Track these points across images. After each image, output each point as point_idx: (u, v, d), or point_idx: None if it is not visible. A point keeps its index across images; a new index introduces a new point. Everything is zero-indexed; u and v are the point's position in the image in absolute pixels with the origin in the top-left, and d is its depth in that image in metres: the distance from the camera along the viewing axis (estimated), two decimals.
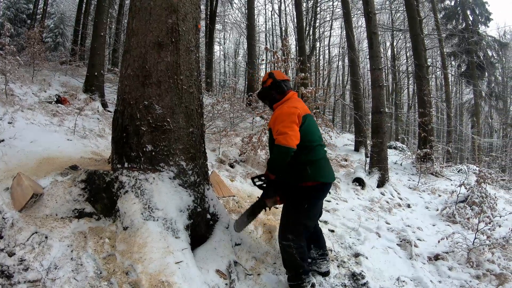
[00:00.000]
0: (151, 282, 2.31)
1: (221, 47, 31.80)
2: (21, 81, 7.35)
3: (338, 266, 3.40)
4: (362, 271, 3.33)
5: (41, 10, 13.11)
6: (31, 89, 7.36)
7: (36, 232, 2.72)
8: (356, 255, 3.66)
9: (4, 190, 3.15)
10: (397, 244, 4.15)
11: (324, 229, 4.10)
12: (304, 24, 16.94)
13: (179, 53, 2.92)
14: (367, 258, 3.62)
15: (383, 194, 6.44)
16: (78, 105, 7.29)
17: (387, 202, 6.01)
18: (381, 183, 6.88)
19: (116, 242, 2.65)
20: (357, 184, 6.46)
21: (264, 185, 2.94)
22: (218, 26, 23.19)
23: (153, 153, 2.87)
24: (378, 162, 7.10)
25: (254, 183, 2.99)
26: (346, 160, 9.08)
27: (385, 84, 7.70)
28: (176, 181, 2.92)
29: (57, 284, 2.38)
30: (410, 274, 3.50)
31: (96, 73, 8.68)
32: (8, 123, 4.92)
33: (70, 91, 8.57)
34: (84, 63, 12.09)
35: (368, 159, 7.62)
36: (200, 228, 3.08)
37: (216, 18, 17.73)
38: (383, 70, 7.67)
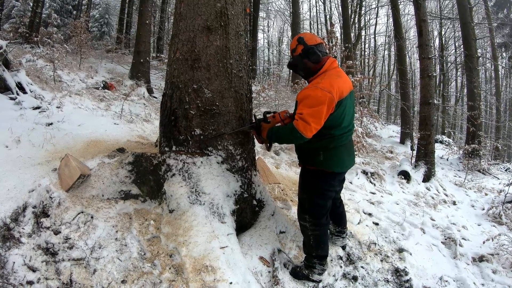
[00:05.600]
0: (194, 266, 2.29)
1: (264, 35, 31.72)
2: (68, 68, 7.61)
3: (381, 261, 3.28)
4: (406, 267, 3.21)
5: (86, 0, 13.50)
6: (78, 75, 7.62)
7: (82, 212, 2.77)
8: (400, 250, 3.51)
9: (52, 171, 3.25)
10: (441, 242, 3.99)
11: (369, 222, 4.01)
12: (350, 12, 16.39)
13: (228, 37, 2.85)
14: (411, 254, 3.49)
15: (428, 189, 6.20)
16: (124, 91, 7.50)
17: (433, 197, 5.78)
18: (427, 178, 6.62)
19: (161, 225, 2.66)
20: (403, 177, 6.25)
21: (266, 121, 2.77)
22: (262, 14, 23.01)
23: (202, 137, 2.83)
24: (424, 156, 6.83)
25: (264, 114, 2.81)
26: (391, 152, 8.83)
27: (434, 75, 7.31)
28: (224, 166, 2.88)
29: (101, 263, 2.42)
30: (454, 274, 3.37)
31: (142, 60, 8.91)
32: (57, 107, 5.10)
33: (116, 78, 8.84)
34: (129, 51, 12.40)
35: (414, 152, 7.35)
36: (246, 214, 3.04)
37: (260, 5, 17.54)
38: (432, 59, 7.27)
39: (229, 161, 2.91)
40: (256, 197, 3.11)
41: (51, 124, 4.45)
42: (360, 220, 3.97)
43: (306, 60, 2.52)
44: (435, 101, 7.42)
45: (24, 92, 4.85)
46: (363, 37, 23.40)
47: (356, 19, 20.23)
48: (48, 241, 2.51)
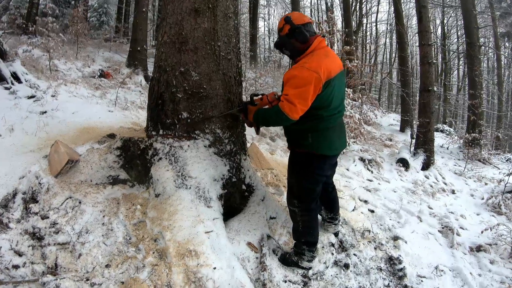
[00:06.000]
0: (178, 251, 2.27)
1: (265, 22, 31.53)
2: (65, 57, 7.60)
3: (375, 248, 3.22)
4: (400, 256, 3.14)
5: None
6: (75, 65, 7.60)
7: (70, 197, 2.77)
8: (395, 238, 3.46)
9: (43, 158, 3.25)
10: (438, 231, 3.93)
11: (364, 209, 3.96)
12: None
13: (217, 19, 2.79)
14: (406, 242, 3.42)
15: (427, 178, 6.11)
16: (121, 79, 7.46)
17: (431, 186, 5.71)
18: (426, 166, 6.53)
19: (147, 209, 2.64)
20: (401, 165, 6.17)
21: (253, 104, 2.74)
22: (262, 2, 22.84)
23: (189, 120, 2.80)
24: (424, 143, 6.74)
25: (251, 96, 2.78)
26: (390, 140, 8.77)
27: (434, 61, 7.20)
28: (211, 149, 2.84)
29: (86, 248, 2.42)
30: (450, 263, 3.29)
31: (138, 48, 8.88)
32: (51, 96, 5.08)
33: (113, 66, 8.81)
34: (128, 40, 12.36)
35: (413, 140, 7.26)
36: (234, 199, 3.01)
37: None
38: (433, 46, 7.16)
39: (217, 144, 2.87)
40: (245, 182, 3.07)
41: (45, 112, 4.44)
42: (355, 207, 3.92)
43: (293, 40, 2.42)
44: (435, 89, 7.29)
45: (19, 81, 4.84)
46: (364, 25, 23.14)
47: (358, 6, 19.98)
48: (35, 226, 2.52)
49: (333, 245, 3.01)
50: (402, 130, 10.48)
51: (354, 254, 3.04)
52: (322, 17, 24.29)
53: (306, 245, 2.66)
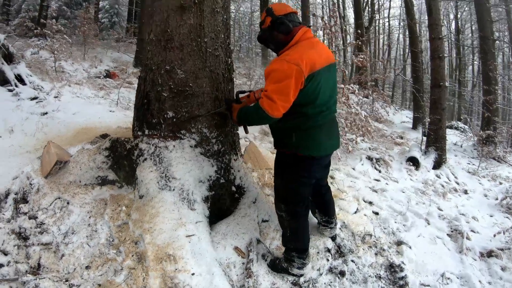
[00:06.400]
0: (157, 254, 2.19)
1: None
2: (72, 58, 7.71)
3: (376, 254, 3.03)
4: (402, 262, 2.95)
5: None
6: (82, 65, 7.70)
7: (59, 198, 2.76)
8: (399, 243, 3.25)
9: (37, 158, 3.30)
10: (447, 234, 3.67)
11: (368, 211, 3.75)
12: None
13: (203, 15, 2.69)
14: (410, 247, 3.21)
15: (438, 177, 5.81)
16: (127, 79, 7.49)
17: (442, 185, 5.42)
18: (437, 165, 6.23)
19: (131, 211, 2.58)
20: (411, 163, 5.88)
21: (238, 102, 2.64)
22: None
23: (174, 120, 2.72)
24: (435, 141, 6.44)
25: (237, 94, 2.68)
26: (401, 138, 8.43)
27: (445, 56, 6.90)
28: (197, 150, 2.75)
29: (69, 248, 2.40)
30: (458, 270, 3.06)
31: None
32: (54, 97, 5.13)
33: (120, 66, 8.89)
34: (137, 40, 12.49)
35: (425, 138, 6.97)
36: (224, 201, 2.91)
37: None
38: (444, 40, 6.86)
39: (204, 144, 2.77)
40: (235, 183, 2.97)
41: (46, 113, 4.48)
42: (357, 209, 3.73)
43: (276, 32, 2.26)
44: (447, 85, 6.98)
45: (24, 83, 4.91)
46: (377, 21, 22.63)
47: (370, 2, 19.51)
48: (21, 226, 2.54)
49: (329, 250, 2.84)
50: (415, 127, 10.09)
51: (352, 261, 2.86)
52: (334, 13, 24.00)
53: (295, 252, 2.51)
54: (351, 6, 20.54)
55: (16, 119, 4.17)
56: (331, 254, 2.83)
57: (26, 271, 2.28)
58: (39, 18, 9.17)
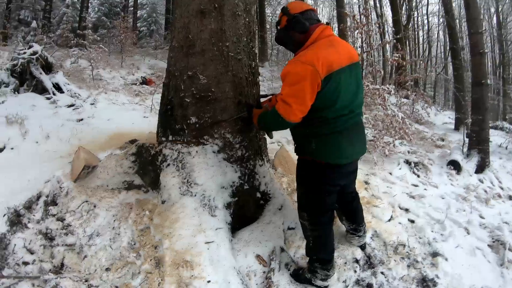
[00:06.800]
0: (174, 260, 2.16)
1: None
2: (110, 67, 8.02)
3: (408, 266, 2.81)
4: (437, 276, 2.72)
5: (132, 2, 14.35)
6: (120, 73, 8.00)
7: (86, 201, 2.83)
8: (434, 254, 3.01)
9: (69, 163, 3.39)
10: (488, 245, 3.36)
11: (403, 218, 3.52)
12: None
13: (224, 19, 2.68)
14: (446, 259, 2.95)
15: (481, 182, 5.39)
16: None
17: (485, 191, 4.99)
18: (480, 168, 5.77)
19: (153, 215, 2.59)
20: (452, 167, 5.49)
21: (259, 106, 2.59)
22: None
23: (197, 125, 2.70)
24: (477, 143, 5.98)
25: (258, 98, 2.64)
26: (443, 140, 7.94)
27: (487, 51, 6.46)
28: (220, 155, 2.72)
29: (92, 250, 2.45)
30: (497, 285, 2.79)
31: None
32: (90, 104, 5.35)
33: (157, 73, 9.11)
34: None
35: (467, 140, 6.54)
36: (248, 208, 2.85)
37: None
38: (484, 34, 6.41)
39: (227, 150, 2.73)
40: (260, 189, 2.90)
41: (82, 120, 4.66)
42: (391, 217, 3.51)
43: (292, 32, 2.14)
44: (489, 82, 6.50)
45: (61, 91, 5.16)
46: (415, 18, 21.72)
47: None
48: (48, 227, 2.64)
49: (357, 261, 2.69)
50: (457, 129, 9.47)
51: (382, 273, 2.68)
52: (371, 13, 23.37)
53: (318, 263, 2.38)
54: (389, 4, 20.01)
55: (52, 125, 4.36)
56: (359, 265, 2.68)
57: (50, 270, 2.35)
58: (78, 29, 9.66)
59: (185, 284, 2.05)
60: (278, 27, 2.25)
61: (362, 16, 6.27)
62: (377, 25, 6.97)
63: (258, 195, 2.90)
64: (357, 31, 5.64)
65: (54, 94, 4.95)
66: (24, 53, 4.94)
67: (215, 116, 2.69)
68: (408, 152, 5.90)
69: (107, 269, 2.32)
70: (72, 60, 7.14)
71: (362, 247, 2.81)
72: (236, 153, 2.77)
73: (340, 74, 2.01)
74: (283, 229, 2.82)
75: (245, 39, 2.83)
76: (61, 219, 2.70)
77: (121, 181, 3.00)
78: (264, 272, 2.43)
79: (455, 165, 5.51)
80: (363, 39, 5.65)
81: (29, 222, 2.68)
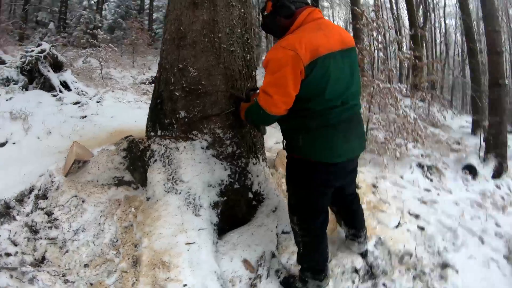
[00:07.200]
0: (151, 260, 2.03)
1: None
2: (122, 66, 8.09)
3: (414, 278, 2.55)
4: None
5: (148, 4, 14.60)
6: (130, 73, 8.06)
7: (76, 196, 2.78)
8: (444, 265, 2.76)
9: (64, 158, 3.35)
10: (503, 256, 3.09)
11: (412, 225, 3.27)
12: None
13: (217, 10, 2.57)
14: (457, 271, 2.69)
15: (498, 187, 5.06)
16: None
17: (502, 197, 4.67)
18: (497, 174, 5.45)
19: (138, 212, 2.50)
20: (468, 172, 5.22)
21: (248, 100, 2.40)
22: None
23: (186, 120, 2.59)
24: (495, 147, 5.67)
25: (247, 92, 2.46)
26: (459, 144, 7.59)
27: (503, 50, 6.10)
28: (209, 151, 2.58)
29: (75, 245, 2.40)
30: None
31: None
32: (96, 102, 5.36)
33: None
34: None
35: (484, 143, 6.19)
36: (239, 208, 2.70)
37: None
38: (502, 32, 6.04)
39: (216, 146, 2.60)
40: (252, 189, 2.74)
41: (85, 117, 4.67)
42: (399, 223, 3.25)
43: (278, 17, 1.94)
44: (507, 82, 6.13)
45: (69, 89, 5.20)
46: (432, 20, 21.11)
47: (423, 0, 18.38)
48: (33, 220, 2.60)
49: (356, 271, 2.45)
50: (474, 132, 9.04)
51: (384, 284, 2.44)
52: (387, 14, 22.82)
53: (310, 272, 2.17)
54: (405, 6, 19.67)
55: (55, 122, 4.38)
56: (359, 275, 2.46)
57: (30, 262, 2.29)
58: (90, 30, 9.86)
59: (159, 286, 1.91)
60: (264, 13, 2.06)
61: (373, 12, 6.06)
62: (389, 23, 6.69)
63: (250, 195, 2.74)
64: (369, 27, 5.43)
65: (60, 91, 5.00)
66: (32, 51, 5.02)
67: (205, 110, 2.57)
68: (422, 155, 5.62)
69: (86, 265, 2.24)
70: (83, 59, 7.25)
71: (363, 255, 2.59)
72: (227, 150, 2.63)
73: (328, 59, 1.80)
74: (276, 232, 2.64)
75: (239, 30, 2.70)
76: (49, 213, 2.66)
77: (111, 176, 2.92)
78: (250, 278, 2.25)
79: (471, 170, 5.24)
80: (374, 36, 5.43)
81: (18, 214, 2.67)
